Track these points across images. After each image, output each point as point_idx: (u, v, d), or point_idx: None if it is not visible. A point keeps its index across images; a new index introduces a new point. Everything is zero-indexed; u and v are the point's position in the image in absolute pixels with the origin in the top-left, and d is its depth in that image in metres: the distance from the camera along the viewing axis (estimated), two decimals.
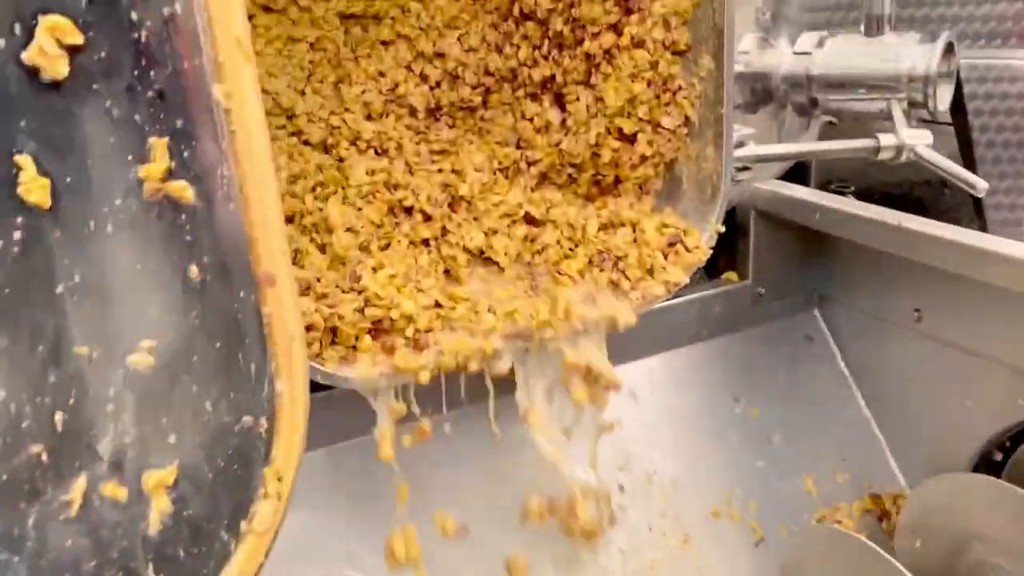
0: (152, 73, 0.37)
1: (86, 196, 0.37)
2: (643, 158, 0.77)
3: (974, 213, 1.00)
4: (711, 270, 0.92)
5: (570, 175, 0.82)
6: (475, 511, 0.72)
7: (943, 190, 1.02)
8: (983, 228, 0.99)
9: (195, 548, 0.41)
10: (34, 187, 0.35)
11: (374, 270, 0.68)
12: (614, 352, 0.71)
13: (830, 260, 0.92)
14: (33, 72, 0.35)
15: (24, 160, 0.35)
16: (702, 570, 0.82)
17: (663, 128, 0.76)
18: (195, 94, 0.38)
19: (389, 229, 0.75)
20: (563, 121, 0.81)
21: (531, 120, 0.83)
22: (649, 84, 0.74)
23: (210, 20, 0.38)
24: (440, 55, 0.83)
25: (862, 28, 0.88)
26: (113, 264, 0.38)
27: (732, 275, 0.92)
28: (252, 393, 0.42)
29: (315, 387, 0.60)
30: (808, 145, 0.83)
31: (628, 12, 0.74)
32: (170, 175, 0.38)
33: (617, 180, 0.80)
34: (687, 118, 0.75)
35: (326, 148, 0.80)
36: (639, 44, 0.74)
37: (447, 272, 0.75)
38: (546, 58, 0.80)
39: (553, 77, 0.80)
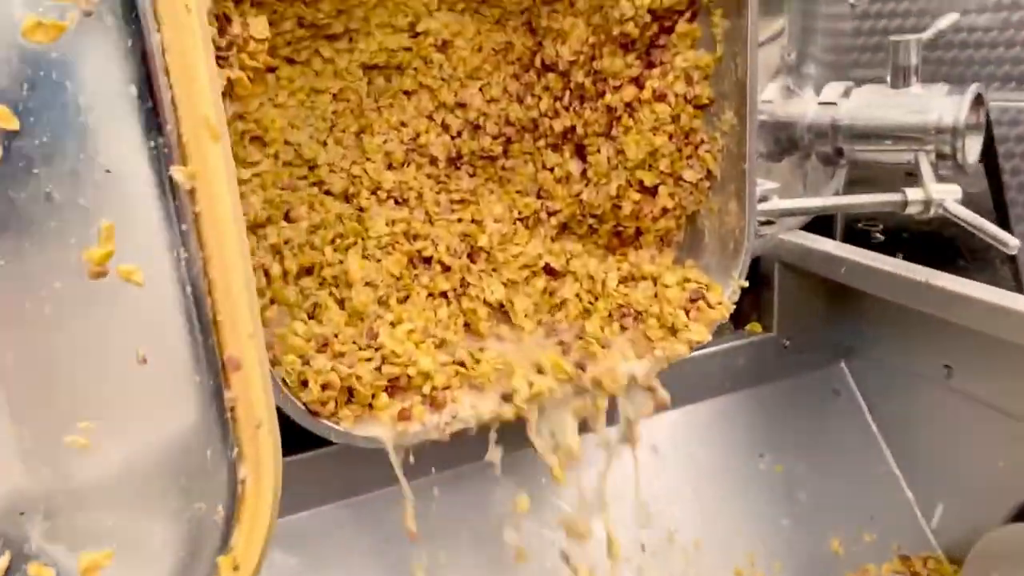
0: (100, 157, 0.37)
1: (21, 278, 0.36)
2: (664, 211, 0.76)
3: (1005, 254, 0.97)
4: (735, 320, 0.91)
5: (590, 226, 0.81)
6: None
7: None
8: (1015, 272, 0.96)
9: None
10: None
11: (392, 325, 0.67)
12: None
13: (857, 313, 0.90)
14: None
15: None
16: None
17: (685, 181, 0.75)
18: (150, 175, 0.37)
19: (408, 281, 0.75)
20: (583, 172, 0.80)
21: (551, 170, 0.83)
22: (671, 137, 0.74)
23: (175, 99, 0.37)
24: (462, 105, 0.83)
25: (888, 78, 0.86)
26: (50, 345, 0.37)
27: (756, 326, 0.90)
28: (207, 479, 0.41)
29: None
30: (833, 200, 0.82)
31: (650, 66, 0.74)
32: (118, 257, 0.38)
33: (638, 232, 0.79)
34: (709, 172, 0.74)
35: (347, 198, 0.80)
36: (661, 97, 0.73)
37: (467, 326, 0.74)
38: (567, 109, 0.80)
39: (574, 128, 0.80)
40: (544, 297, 0.76)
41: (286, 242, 0.73)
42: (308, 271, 0.73)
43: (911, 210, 0.77)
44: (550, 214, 0.82)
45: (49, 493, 0.38)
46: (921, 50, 0.84)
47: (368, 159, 0.81)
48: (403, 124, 0.83)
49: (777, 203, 0.78)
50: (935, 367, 0.82)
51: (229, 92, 0.57)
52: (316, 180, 0.79)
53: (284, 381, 0.60)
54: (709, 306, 0.71)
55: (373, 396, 0.62)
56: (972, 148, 0.81)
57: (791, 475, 0.87)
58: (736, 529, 0.83)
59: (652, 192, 0.76)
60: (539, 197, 0.83)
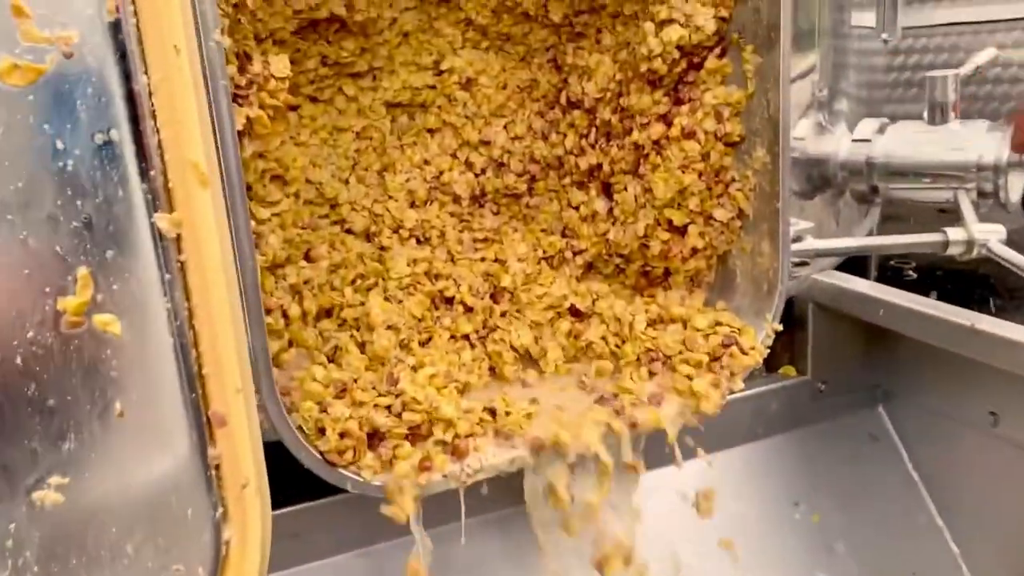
0: (79, 203, 0.35)
1: None
2: (694, 251, 0.74)
3: None
4: (768, 363, 0.87)
5: (617, 266, 0.79)
6: None
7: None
8: None
9: None
10: None
11: (414, 369, 0.65)
12: (663, 453, 0.67)
13: (895, 355, 0.87)
14: None
15: None
16: None
17: (715, 220, 0.72)
18: (131, 223, 0.36)
19: (430, 323, 0.73)
20: (610, 210, 0.78)
21: (577, 208, 0.81)
22: (700, 175, 0.72)
23: (161, 144, 0.36)
24: (486, 143, 0.82)
25: (924, 114, 0.84)
26: (19, 397, 0.35)
27: (790, 369, 0.87)
28: (188, 540, 0.39)
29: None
30: (871, 240, 0.79)
31: (678, 103, 0.72)
32: (95, 307, 0.36)
33: (667, 273, 0.77)
34: (741, 211, 0.71)
35: (368, 236, 0.79)
36: (690, 135, 0.71)
37: (492, 370, 0.72)
38: (593, 147, 0.79)
39: (600, 166, 0.78)
40: (570, 340, 0.74)
41: (306, 282, 0.72)
42: (328, 313, 0.72)
43: (952, 250, 0.75)
44: (575, 253, 0.80)
45: (16, 551, 0.36)
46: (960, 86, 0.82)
47: (390, 197, 0.80)
48: (426, 162, 0.82)
49: (812, 243, 0.76)
50: (980, 413, 0.78)
51: (249, 131, 0.56)
52: (337, 219, 0.78)
53: (301, 428, 0.58)
54: (742, 351, 0.68)
55: (395, 446, 0.60)
56: (1015, 186, 0.78)
57: (828, 525, 0.83)
58: None
59: (681, 231, 0.74)
60: (564, 236, 0.81)
